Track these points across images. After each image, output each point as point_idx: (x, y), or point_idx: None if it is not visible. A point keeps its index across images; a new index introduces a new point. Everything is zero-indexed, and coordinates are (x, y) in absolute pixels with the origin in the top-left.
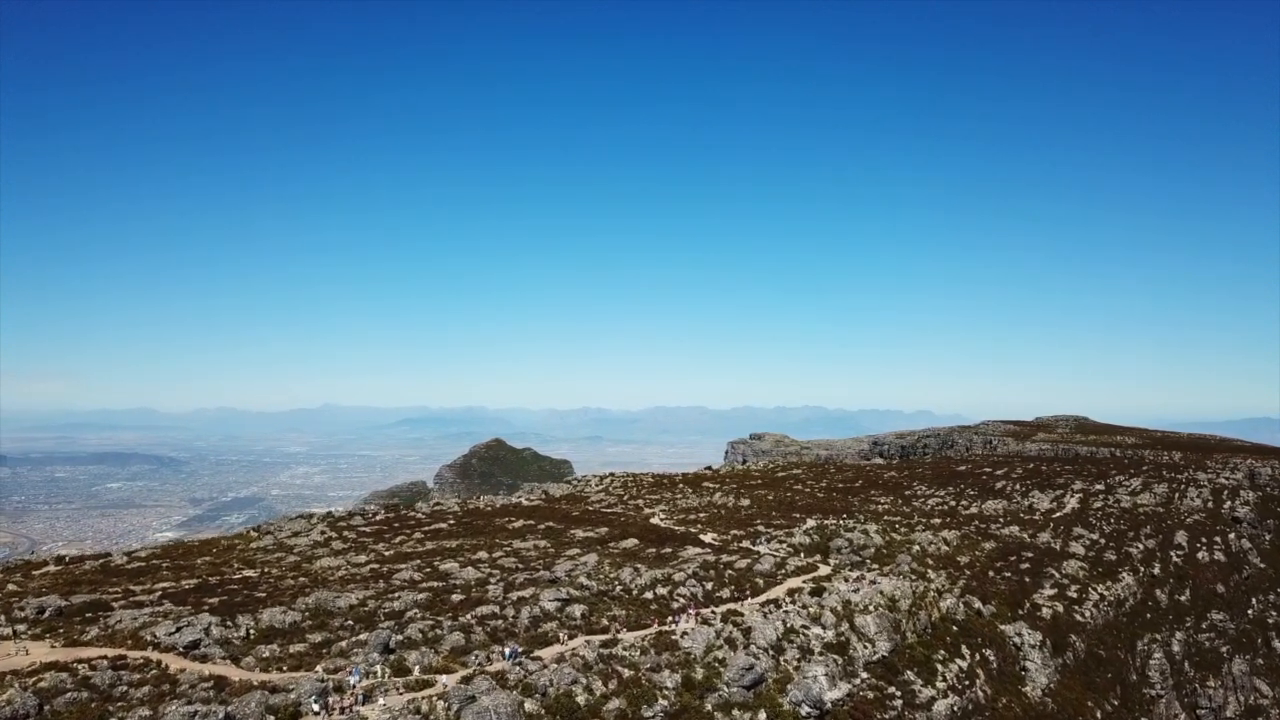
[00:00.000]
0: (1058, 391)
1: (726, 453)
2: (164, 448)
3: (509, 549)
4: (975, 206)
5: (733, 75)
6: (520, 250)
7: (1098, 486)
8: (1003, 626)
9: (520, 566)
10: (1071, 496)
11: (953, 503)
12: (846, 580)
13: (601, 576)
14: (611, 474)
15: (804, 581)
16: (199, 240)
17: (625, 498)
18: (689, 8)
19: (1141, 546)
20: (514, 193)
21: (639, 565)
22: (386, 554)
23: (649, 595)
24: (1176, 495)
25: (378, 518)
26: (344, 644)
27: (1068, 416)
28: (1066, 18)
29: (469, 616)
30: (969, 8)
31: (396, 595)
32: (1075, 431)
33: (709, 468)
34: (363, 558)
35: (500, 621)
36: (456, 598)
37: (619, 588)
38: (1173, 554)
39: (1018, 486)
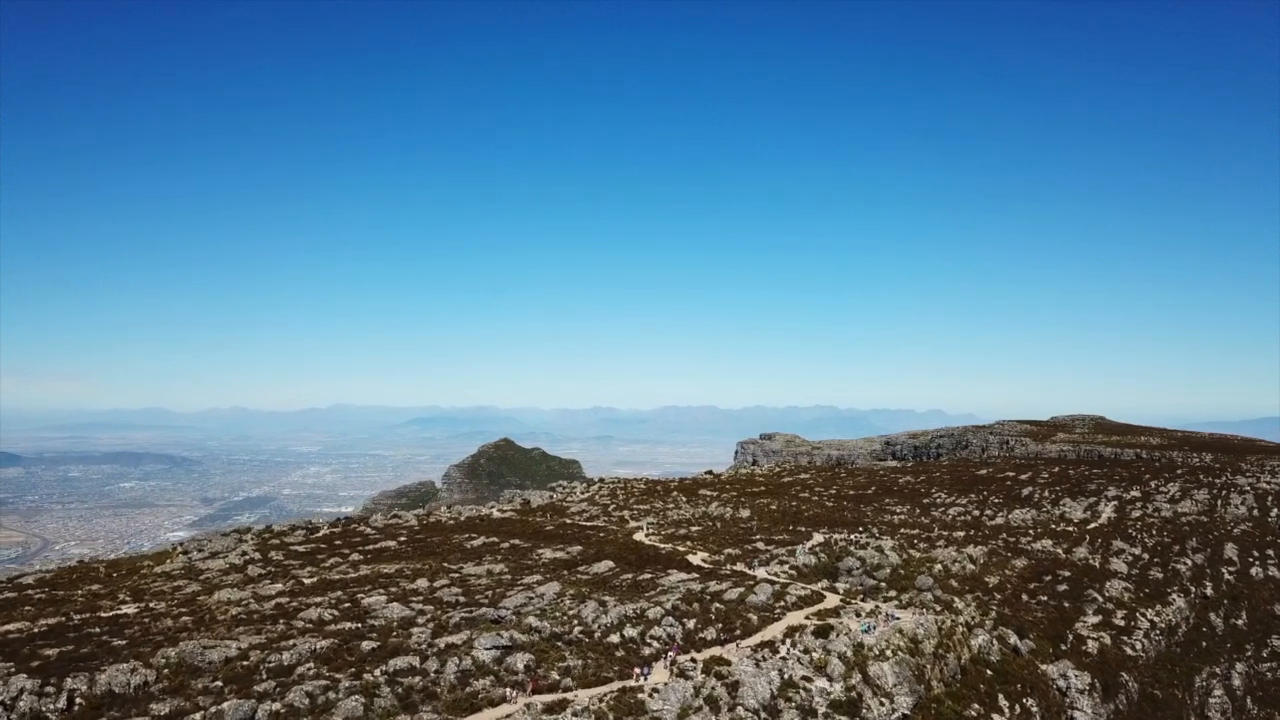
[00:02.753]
0: (1064, 391)
1: (737, 453)
2: (176, 447)
3: (457, 575)
4: (984, 205)
5: (743, 74)
6: (531, 249)
7: (1133, 493)
8: (1044, 667)
9: (461, 600)
10: (1106, 504)
11: (976, 512)
12: (859, 615)
13: (558, 614)
14: (601, 480)
15: (807, 617)
16: (212, 241)
17: (611, 508)
18: (707, 6)
19: (1189, 562)
20: (526, 192)
21: (607, 597)
22: (307, 581)
23: (614, 638)
24: (1219, 502)
25: (319, 534)
26: (198, 717)
27: (1085, 416)
28: (1085, 14)
29: (377, 672)
30: (990, 4)
31: (291, 643)
32: (1094, 431)
33: (709, 472)
34: (276, 587)
35: (417, 678)
36: (368, 646)
37: (578, 628)
38: (1224, 570)
39: (1046, 493)
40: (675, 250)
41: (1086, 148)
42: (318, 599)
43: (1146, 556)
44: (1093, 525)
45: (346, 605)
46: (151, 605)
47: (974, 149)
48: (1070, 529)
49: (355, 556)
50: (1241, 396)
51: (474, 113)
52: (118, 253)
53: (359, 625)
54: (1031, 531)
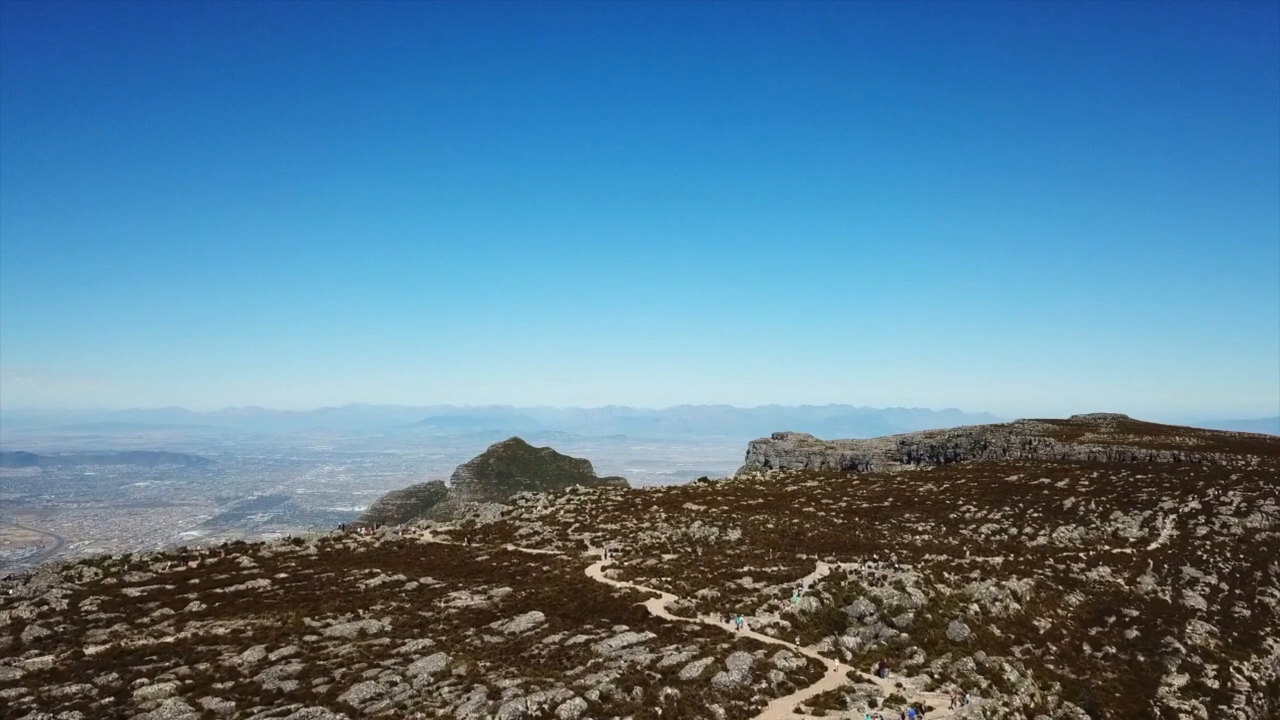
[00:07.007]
0: (1072, 389)
1: (749, 453)
2: (192, 446)
3: (315, 638)
4: (995, 205)
5: (752, 74)
6: (546, 248)
7: (1191, 504)
8: None
9: (288, 687)
10: (1164, 519)
11: (1013, 530)
12: (873, 705)
13: (423, 713)
14: (574, 489)
15: (798, 709)
16: (228, 241)
17: (571, 529)
18: (733, 6)
19: (1277, 594)
20: (538, 191)
21: (506, 681)
22: (92, 651)
23: None
24: None
25: (180, 568)
26: None
27: (1107, 414)
28: (1090, 11)
29: None
30: (992, 4)
31: None
32: (1121, 431)
33: (704, 479)
34: (39, 662)
35: None
36: None
37: None
38: None
39: (1092, 505)
40: (689, 249)
41: (1095, 146)
42: (72, 688)
43: (1226, 587)
44: (1153, 546)
45: (107, 700)
46: None
47: (985, 148)
48: (1128, 551)
49: (195, 605)
50: (1243, 395)
51: (489, 111)
52: (135, 253)
53: None
54: (1083, 555)
